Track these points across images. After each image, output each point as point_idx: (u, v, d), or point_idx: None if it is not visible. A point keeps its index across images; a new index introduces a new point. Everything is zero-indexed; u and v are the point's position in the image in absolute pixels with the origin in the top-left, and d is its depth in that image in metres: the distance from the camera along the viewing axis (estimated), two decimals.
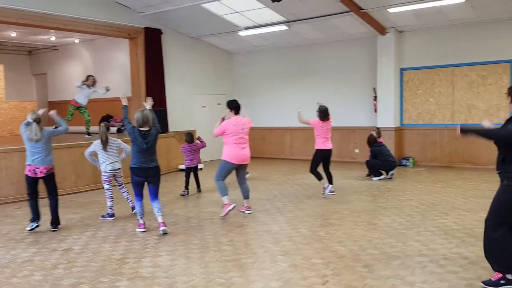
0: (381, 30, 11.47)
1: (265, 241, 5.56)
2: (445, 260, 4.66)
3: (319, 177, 8.21)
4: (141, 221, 6.15)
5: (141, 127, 5.88)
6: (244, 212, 6.99)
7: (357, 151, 12.83)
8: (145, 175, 5.93)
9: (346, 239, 5.49)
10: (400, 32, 11.84)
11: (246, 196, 7.07)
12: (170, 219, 6.65)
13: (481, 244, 5.10)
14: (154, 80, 12.19)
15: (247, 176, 7.76)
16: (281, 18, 11.48)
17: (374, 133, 10.22)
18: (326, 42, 13.07)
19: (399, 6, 9.96)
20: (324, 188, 8.12)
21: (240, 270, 4.57)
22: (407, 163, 11.68)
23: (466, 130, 4.09)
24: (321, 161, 8.32)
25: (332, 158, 12.92)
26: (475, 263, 4.55)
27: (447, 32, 11.19)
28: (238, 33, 12.73)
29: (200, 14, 11.42)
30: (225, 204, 6.71)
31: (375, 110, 12.19)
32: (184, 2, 10.53)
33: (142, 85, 12.08)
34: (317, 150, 8.31)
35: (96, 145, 6.88)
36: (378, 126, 11.76)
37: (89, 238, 5.90)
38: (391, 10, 10.18)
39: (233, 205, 6.69)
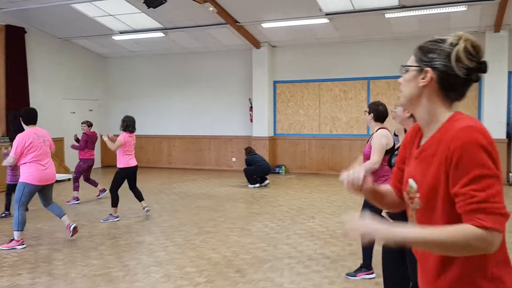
0: (256, 43, 11.98)
1: (138, 252, 5.40)
2: (310, 260, 5.01)
3: (117, 202, 7.07)
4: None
5: None
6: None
7: (234, 159, 13.14)
8: None
9: (221, 246, 5.59)
10: (273, 46, 12.49)
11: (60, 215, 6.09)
12: (32, 234, 6.10)
13: (342, 244, 5.60)
14: (15, 82, 11.09)
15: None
16: (158, 25, 11.33)
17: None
18: (204, 52, 13.22)
19: (271, 22, 10.52)
20: (143, 208, 7.29)
21: (109, 284, 4.37)
22: (280, 171, 12.30)
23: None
24: (124, 181, 7.20)
25: (210, 167, 13.36)
26: (336, 262, 4.96)
27: (315, 49, 12.10)
28: (112, 37, 12.24)
29: (69, 15, 10.73)
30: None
31: (251, 120, 12.65)
32: (51, 0, 9.81)
33: (1, 87, 10.93)
34: (122, 169, 7.10)
35: None
36: (254, 135, 12.25)
37: None
38: (264, 25, 10.71)
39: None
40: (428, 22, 9.99)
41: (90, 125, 8.81)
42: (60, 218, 5.87)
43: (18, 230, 5.52)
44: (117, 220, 6.97)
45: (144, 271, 4.74)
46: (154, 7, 8.45)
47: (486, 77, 10.16)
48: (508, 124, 10.14)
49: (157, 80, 13.96)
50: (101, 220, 6.96)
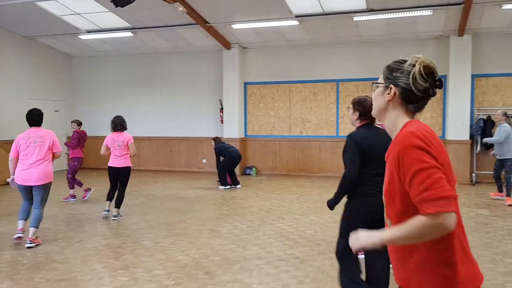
0: (226, 44, 11.96)
1: (105, 256, 5.29)
2: (279, 261, 5.02)
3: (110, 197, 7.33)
4: None
5: None
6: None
7: (204, 161, 13.06)
8: None
9: (190, 248, 5.54)
10: (244, 48, 12.49)
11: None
12: None
13: (311, 244, 5.64)
14: None
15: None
16: (126, 24, 11.15)
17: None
18: (174, 52, 13.10)
19: (242, 23, 10.53)
20: (113, 214, 7.20)
21: None
22: (251, 172, 12.30)
23: (333, 203, 3.76)
24: (112, 179, 7.35)
25: (180, 169, 13.23)
26: (305, 262, 4.99)
27: (285, 51, 12.18)
28: (79, 36, 11.98)
29: (34, 13, 10.43)
30: None
31: (222, 121, 12.61)
32: None
33: None
34: (108, 167, 7.36)
35: None
36: (225, 136, 12.20)
37: None
38: (235, 26, 10.70)
39: None
40: (395, 25, 10.21)
41: (79, 123, 8.97)
42: (30, 227, 5.67)
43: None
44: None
45: (111, 274, 4.65)
46: (122, 6, 8.31)
47: (450, 80, 10.47)
48: (471, 126, 10.45)
49: (126, 81, 13.75)
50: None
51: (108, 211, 7.28)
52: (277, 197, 9.03)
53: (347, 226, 3.57)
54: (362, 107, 3.63)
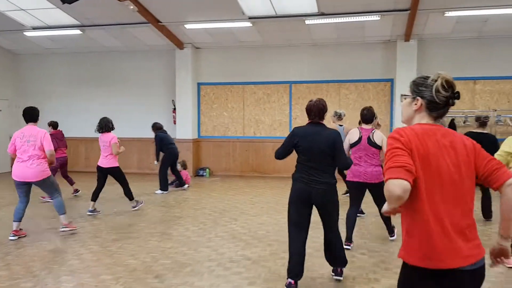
0: (179, 44, 11.82)
1: (50, 261, 5.08)
2: (231, 262, 5.01)
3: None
4: None
5: None
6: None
7: (156, 162, 12.80)
8: None
9: (140, 252, 5.42)
10: (197, 48, 12.40)
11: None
12: None
13: (263, 244, 5.67)
14: None
15: None
16: (75, 22, 10.79)
17: None
18: (125, 51, 12.81)
19: (194, 23, 10.45)
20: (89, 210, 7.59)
21: None
22: (204, 173, 12.22)
23: None
24: (97, 178, 7.78)
25: (132, 170, 12.91)
26: (257, 263, 5.01)
27: (239, 52, 12.20)
28: (24, 33, 11.46)
29: None
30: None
31: (174, 122, 12.45)
32: None
33: None
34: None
35: None
36: (177, 137, 12.05)
37: None
38: (187, 26, 10.60)
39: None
40: (345, 30, 10.47)
41: (53, 125, 9.16)
42: (59, 215, 6.29)
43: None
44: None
45: (55, 281, 4.47)
46: (69, 3, 8.04)
47: (397, 84, 10.88)
48: None
49: (74, 80, 13.30)
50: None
51: (92, 211, 7.52)
52: (230, 198, 9.02)
53: (288, 204, 4.36)
54: (308, 108, 4.24)
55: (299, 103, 11.83)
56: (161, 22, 10.47)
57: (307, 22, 9.94)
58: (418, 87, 2.17)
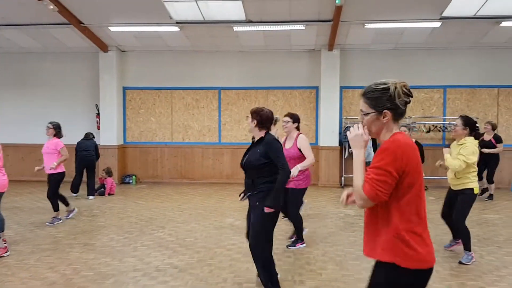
0: (103, 47, 11.42)
1: None
2: (157, 271, 4.90)
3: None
4: None
5: None
6: None
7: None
8: None
9: (59, 264, 5.14)
10: (123, 51, 12.05)
11: None
12: None
13: (190, 252, 5.61)
14: None
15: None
16: None
17: None
18: (45, 52, 12.14)
19: (119, 26, 10.15)
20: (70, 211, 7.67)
21: None
22: (130, 181, 11.86)
23: (274, 202, 3.92)
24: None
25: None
26: (184, 271, 4.94)
27: (167, 56, 12.01)
28: None
29: None
30: None
31: (98, 127, 11.97)
32: None
33: None
34: (61, 172, 7.43)
35: None
36: (102, 143, 11.59)
37: None
38: (112, 28, 10.27)
39: None
40: (272, 37, 10.70)
41: None
42: None
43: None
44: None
45: None
46: None
47: (321, 91, 11.28)
48: (340, 133, 11.36)
49: None
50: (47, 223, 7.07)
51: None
52: (157, 205, 8.84)
53: (270, 219, 3.99)
54: (260, 116, 4.07)
55: (228, 109, 11.88)
56: (83, 24, 10.05)
57: (235, 29, 10.04)
58: (379, 100, 2.22)
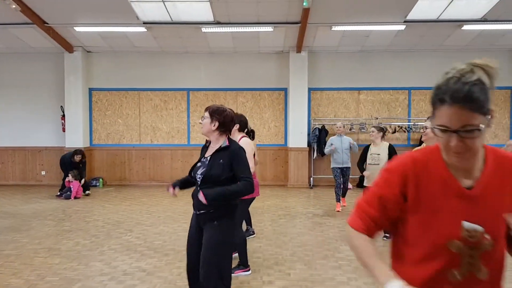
0: (68, 47, 11.17)
1: None
2: (125, 275, 4.84)
3: None
4: None
5: None
6: None
7: (43, 172, 11.95)
8: None
9: (23, 270, 5.01)
10: (88, 52, 11.82)
11: None
12: None
13: (159, 255, 5.57)
14: None
15: None
16: None
17: None
18: (7, 53, 11.76)
19: (85, 26, 9.96)
20: None
21: None
22: (97, 184, 11.63)
23: (213, 197, 3.15)
24: None
25: (15, 182, 11.88)
26: (152, 274, 4.90)
27: (134, 57, 11.85)
28: None
29: None
30: None
31: (63, 130, 11.70)
32: None
33: None
34: None
35: None
36: (67, 146, 11.35)
37: None
38: (77, 28, 10.06)
39: None
40: (240, 39, 10.73)
41: None
42: None
43: None
44: None
45: None
46: None
47: (290, 93, 11.39)
48: (308, 134, 11.49)
49: None
50: None
51: None
52: (125, 208, 8.71)
53: (228, 245, 3.31)
54: (223, 118, 3.33)
55: (197, 110, 11.83)
56: (47, 24, 9.80)
57: (203, 30, 10.01)
58: (484, 98, 1.38)
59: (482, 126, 1.37)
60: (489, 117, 1.39)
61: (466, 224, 1.45)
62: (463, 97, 1.35)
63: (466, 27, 9.89)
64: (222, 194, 3.14)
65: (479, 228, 1.44)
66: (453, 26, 9.97)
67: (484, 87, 1.37)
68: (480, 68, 1.39)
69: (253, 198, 5.23)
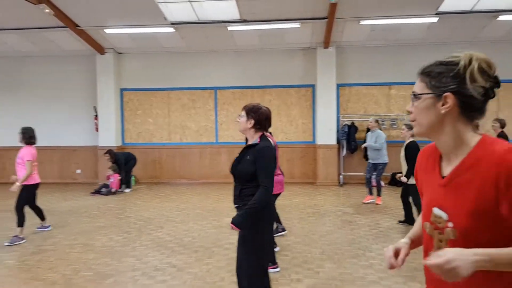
0: (100, 49, 11.45)
1: None
2: (156, 271, 4.95)
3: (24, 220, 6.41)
4: None
5: None
6: None
7: (78, 171, 12.32)
8: None
9: (59, 265, 5.19)
10: (119, 53, 12.08)
11: None
12: None
13: (189, 251, 5.65)
14: None
15: None
16: None
17: None
18: (42, 56, 12.17)
19: (115, 28, 10.18)
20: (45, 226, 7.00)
21: None
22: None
23: (240, 221, 3.16)
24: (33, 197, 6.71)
25: (53, 180, 12.28)
26: (182, 270, 4.99)
27: (162, 57, 12.04)
28: None
29: None
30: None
31: (96, 129, 12.01)
32: None
33: None
34: (33, 185, 6.49)
35: None
36: (100, 145, 11.66)
37: None
38: (108, 31, 10.31)
39: None
40: (266, 36, 10.73)
41: None
42: None
43: None
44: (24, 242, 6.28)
45: None
46: None
47: (318, 89, 11.31)
48: (337, 131, 11.40)
49: None
50: (6, 244, 6.12)
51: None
52: (156, 206, 8.88)
53: (261, 247, 3.25)
54: (258, 116, 3.33)
55: (224, 108, 11.92)
56: (79, 27, 10.09)
57: (229, 28, 10.07)
58: (440, 77, 1.45)
59: (423, 96, 1.50)
60: (445, 99, 1.44)
61: (435, 210, 1.53)
62: (422, 69, 1.54)
63: (501, 17, 9.58)
64: (248, 214, 3.13)
65: (444, 215, 1.49)
66: (488, 17, 9.67)
67: (455, 70, 1.43)
68: (476, 61, 1.43)
69: (278, 194, 5.26)
